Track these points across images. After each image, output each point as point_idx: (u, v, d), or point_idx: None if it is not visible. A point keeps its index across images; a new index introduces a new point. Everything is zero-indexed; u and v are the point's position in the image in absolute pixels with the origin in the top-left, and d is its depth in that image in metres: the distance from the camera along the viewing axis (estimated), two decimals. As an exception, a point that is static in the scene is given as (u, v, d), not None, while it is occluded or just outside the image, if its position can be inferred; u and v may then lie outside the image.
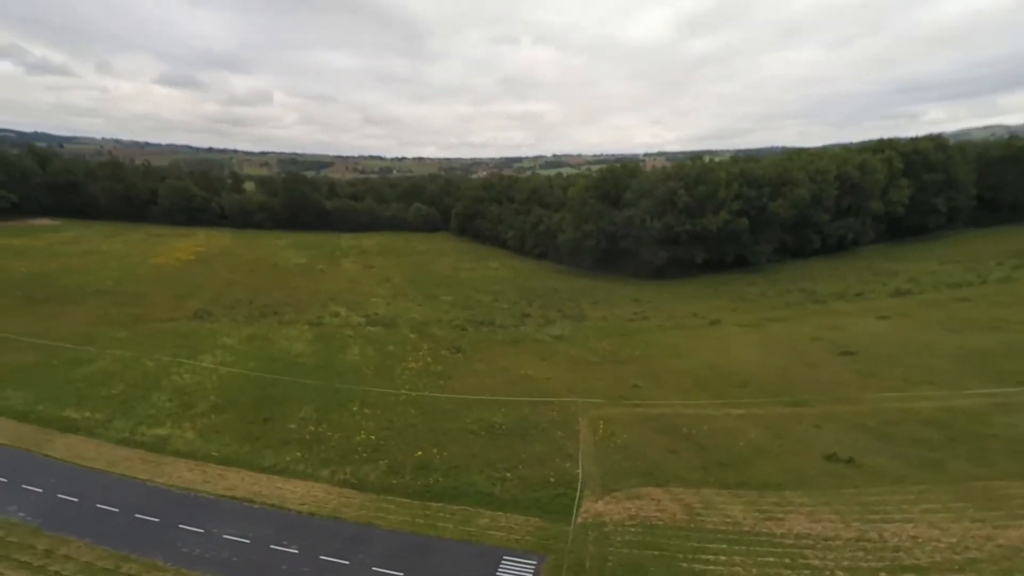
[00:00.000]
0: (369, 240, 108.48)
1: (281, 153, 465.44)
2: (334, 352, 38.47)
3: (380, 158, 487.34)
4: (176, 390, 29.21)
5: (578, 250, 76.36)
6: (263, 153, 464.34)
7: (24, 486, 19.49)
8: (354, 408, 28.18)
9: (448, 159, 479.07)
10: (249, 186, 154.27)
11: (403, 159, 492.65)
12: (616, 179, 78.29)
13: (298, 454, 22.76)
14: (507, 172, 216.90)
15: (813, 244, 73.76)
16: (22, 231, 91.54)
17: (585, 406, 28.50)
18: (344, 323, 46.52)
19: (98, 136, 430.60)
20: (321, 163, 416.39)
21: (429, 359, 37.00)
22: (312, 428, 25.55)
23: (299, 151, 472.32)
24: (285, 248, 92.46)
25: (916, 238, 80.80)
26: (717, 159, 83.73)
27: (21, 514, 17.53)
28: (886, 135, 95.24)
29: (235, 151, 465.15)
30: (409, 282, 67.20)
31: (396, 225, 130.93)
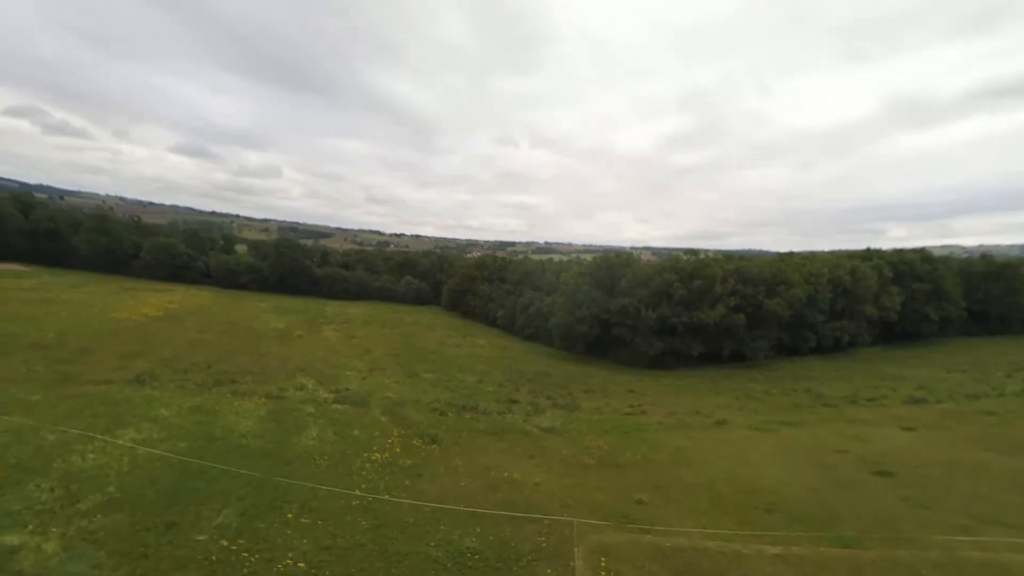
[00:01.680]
0: (356, 309, 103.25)
1: (283, 221, 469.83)
2: (287, 433, 31.89)
3: (379, 233, 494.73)
4: (66, 476, 22.40)
5: (570, 334, 71.70)
6: (265, 220, 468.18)
7: None
8: (290, 515, 21.52)
9: (445, 238, 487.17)
10: (241, 248, 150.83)
11: (401, 235, 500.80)
12: (611, 268, 75.59)
13: (191, 589, 16.00)
14: (500, 254, 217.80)
15: (809, 343, 70.04)
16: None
17: (581, 528, 22.10)
18: (308, 398, 40.06)
19: (103, 192, 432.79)
20: (321, 233, 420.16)
21: (398, 449, 30.59)
22: (226, 543, 18.80)
23: (301, 220, 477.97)
24: (266, 311, 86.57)
25: (911, 343, 77.65)
26: (711, 256, 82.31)
27: None
28: (853, 247, 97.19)
29: (237, 216, 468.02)
30: (391, 355, 61.18)
31: (386, 296, 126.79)
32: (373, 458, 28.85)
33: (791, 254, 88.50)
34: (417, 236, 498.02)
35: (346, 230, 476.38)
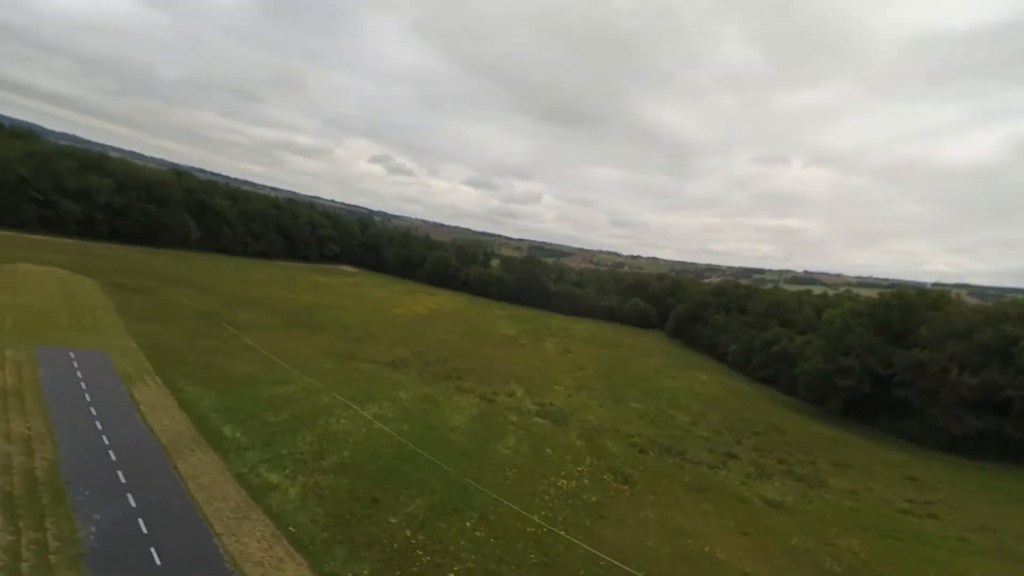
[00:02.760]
0: (579, 325, 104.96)
1: (533, 241, 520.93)
2: (489, 437, 33.08)
3: (616, 254, 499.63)
4: (322, 434, 27.51)
5: (824, 385, 57.12)
6: (520, 240, 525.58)
7: (128, 494, 18.26)
8: (468, 522, 21.53)
9: (682, 262, 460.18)
10: (495, 262, 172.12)
11: (637, 257, 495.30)
12: (906, 308, 57.24)
13: (366, 573, 16.98)
14: (744, 282, 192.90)
15: None
16: (330, 272, 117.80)
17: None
18: (514, 406, 41.29)
19: (414, 216, 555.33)
20: (563, 252, 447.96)
21: (587, 481, 28.31)
22: (408, 534, 19.71)
23: (548, 240, 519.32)
24: (502, 319, 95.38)
25: None
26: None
27: (92, 528, 15.71)
28: None
29: (499, 235, 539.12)
30: (601, 375, 59.29)
31: (611, 316, 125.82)
32: (559, 484, 27.22)
33: None
34: (653, 259, 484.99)
35: (586, 251, 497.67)
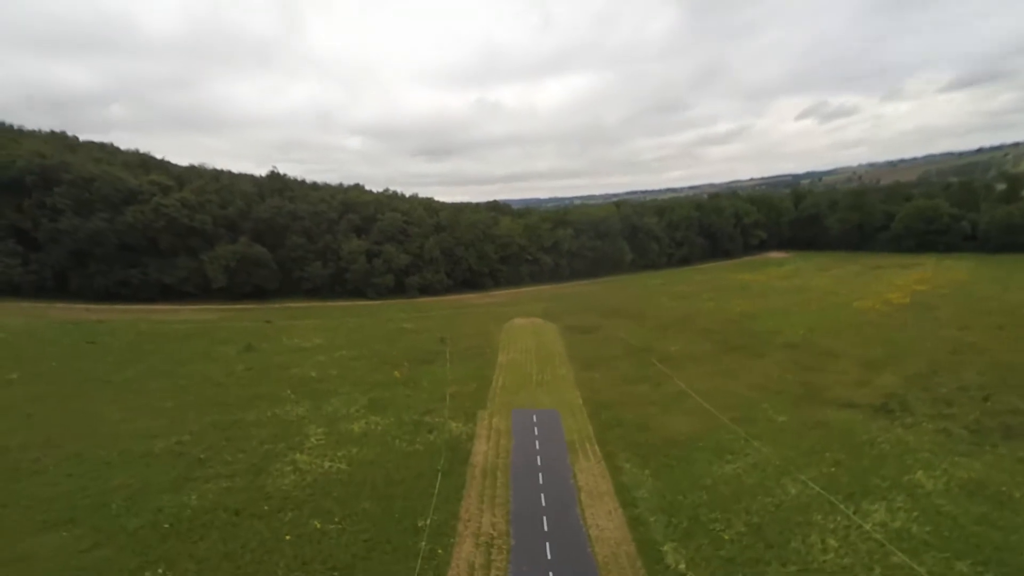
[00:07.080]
0: None
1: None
2: None
3: None
4: (804, 572, 17.13)
5: None
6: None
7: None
8: None
9: None
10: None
11: None
12: None
13: None
14: None
15: None
16: (754, 264, 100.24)
17: None
18: None
19: (855, 164, 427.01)
20: None
21: None
22: None
23: None
24: (1078, 287, 53.20)
25: None
26: None
27: None
28: None
29: (1015, 144, 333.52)
30: None
31: None
32: None
33: None
34: None
35: None
